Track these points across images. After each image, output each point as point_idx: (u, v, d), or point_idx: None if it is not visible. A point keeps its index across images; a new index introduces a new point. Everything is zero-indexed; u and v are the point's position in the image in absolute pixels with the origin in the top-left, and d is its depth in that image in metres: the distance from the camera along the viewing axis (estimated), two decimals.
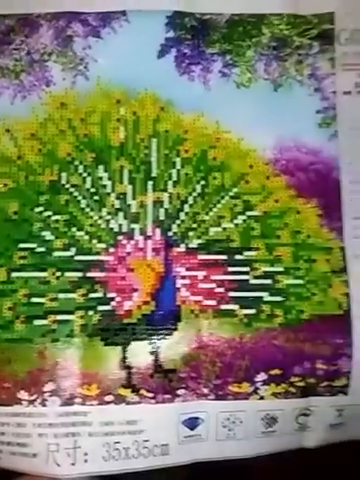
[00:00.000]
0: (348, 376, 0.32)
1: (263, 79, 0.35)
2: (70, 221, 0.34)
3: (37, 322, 0.32)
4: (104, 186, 0.34)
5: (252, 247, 0.33)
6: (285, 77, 0.35)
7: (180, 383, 0.32)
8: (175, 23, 0.35)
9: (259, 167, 0.34)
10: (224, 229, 0.33)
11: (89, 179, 0.34)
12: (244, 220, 0.34)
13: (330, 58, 0.35)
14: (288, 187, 0.34)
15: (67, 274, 0.33)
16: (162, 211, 0.34)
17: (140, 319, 0.32)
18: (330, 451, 0.34)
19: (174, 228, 0.33)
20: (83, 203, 0.34)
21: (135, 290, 0.32)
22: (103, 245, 0.33)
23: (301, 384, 0.32)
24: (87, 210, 0.34)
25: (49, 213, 0.34)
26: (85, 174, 0.34)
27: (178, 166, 0.34)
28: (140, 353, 0.32)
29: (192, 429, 0.32)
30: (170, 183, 0.34)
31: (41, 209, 0.34)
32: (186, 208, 0.34)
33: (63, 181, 0.34)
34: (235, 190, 0.34)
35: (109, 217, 0.34)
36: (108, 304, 0.32)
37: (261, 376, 0.32)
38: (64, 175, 0.34)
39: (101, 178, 0.34)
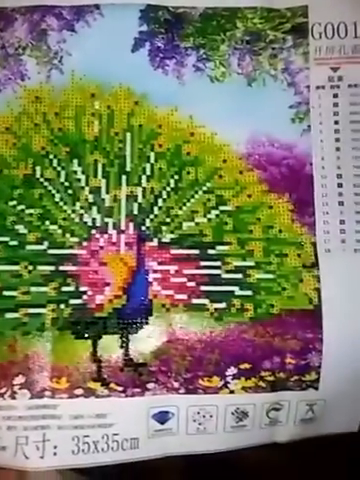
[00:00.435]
0: (318, 371, 0.30)
1: (237, 73, 0.33)
2: (44, 215, 0.33)
3: (8, 315, 0.31)
4: (78, 180, 0.33)
5: (224, 242, 0.32)
6: (259, 71, 0.33)
7: (150, 377, 0.30)
8: (148, 17, 0.34)
9: (232, 162, 0.33)
10: (197, 224, 0.32)
11: (63, 173, 0.33)
12: (217, 215, 0.32)
13: (304, 52, 0.33)
14: (260, 182, 0.32)
15: (39, 268, 0.32)
16: (136, 205, 0.32)
17: (111, 313, 0.31)
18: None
19: (147, 222, 0.32)
20: (57, 197, 0.33)
21: (107, 284, 0.31)
22: (76, 239, 0.32)
23: (271, 378, 0.31)
24: (61, 204, 0.32)
25: (23, 207, 0.33)
26: (59, 168, 0.33)
27: (152, 160, 0.33)
28: (110, 347, 0.31)
29: (162, 423, 0.31)
30: (144, 177, 0.33)
31: (15, 203, 0.33)
32: (160, 202, 0.33)
33: (37, 175, 0.33)
34: (208, 185, 0.33)
35: (83, 211, 0.32)
36: (80, 298, 0.31)
37: (231, 370, 0.30)
38: (38, 169, 0.33)
39: (75, 172, 0.33)
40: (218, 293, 0.31)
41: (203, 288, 0.31)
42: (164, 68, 0.34)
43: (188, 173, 0.33)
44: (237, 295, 0.31)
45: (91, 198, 0.33)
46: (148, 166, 0.33)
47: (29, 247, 0.32)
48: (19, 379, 0.31)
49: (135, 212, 0.33)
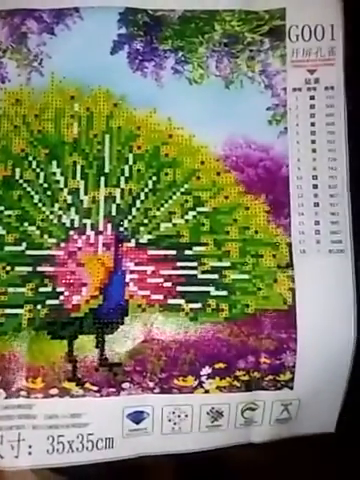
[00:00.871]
0: (292, 370, 0.30)
1: (215, 76, 0.32)
2: (22, 216, 0.32)
3: None
4: (57, 181, 0.32)
5: (201, 242, 0.31)
6: (236, 74, 0.32)
7: (125, 377, 0.30)
8: (127, 19, 0.33)
9: (210, 163, 0.32)
10: (174, 225, 0.31)
11: (42, 174, 0.32)
12: (194, 216, 0.32)
13: (281, 55, 0.32)
14: (237, 183, 0.31)
15: (17, 268, 0.31)
16: (114, 206, 0.32)
17: (87, 313, 0.30)
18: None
19: (125, 223, 0.31)
20: (36, 198, 0.32)
21: (84, 285, 0.30)
22: (54, 240, 0.31)
23: (245, 378, 0.30)
24: (39, 205, 0.32)
25: (1, 208, 0.32)
26: (38, 169, 0.32)
27: (130, 162, 0.33)
28: (86, 347, 0.30)
29: (137, 423, 0.30)
30: (122, 179, 0.32)
31: None
32: (138, 204, 0.32)
33: (17, 176, 0.32)
34: (186, 186, 0.32)
35: (61, 212, 0.32)
36: (57, 298, 0.30)
37: (206, 370, 0.30)
38: (18, 170, 0.32)
39: (54, 173, 0.32)
40: (194, 293, 0.31)
41: (179, 288, 0.31)
42: (143, 70, 0.33)
43: (166, 174, 0.32)
44: (213, 295, 0.30)
45: (70, 199, 0.32)
46: (126, 167, 0.33)
47: (7, 248, 0.32)
48: None
49: (113, 213, 0.32)
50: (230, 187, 0.32)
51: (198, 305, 0.31)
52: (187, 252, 0.31)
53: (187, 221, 0.32)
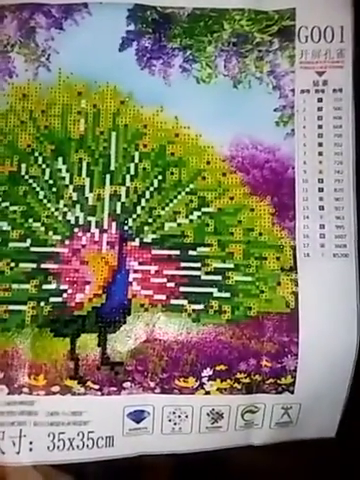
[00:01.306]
0: (294, 374, 0.29)
1: (223, 75, 0.31)
2: (27, 212, 0.31)
3: None
4: (62, 178, 0.31)
5: (205, 243, 0.30)
6: (245, 74, 0.31)
7: (126, 376, 0.29)
8: (136, 16, 0.31)
9: (216, 164, 0.30)
10: (179, 225, 0.30)
11: (48, 171, 0.31)
12: (199, 216, 0.30)
13: (290, 55, 0.31)
14: (243, 184, 0.30)
15: (21, 265, 0.30)
16: (119, 205, 0.30)
17: (90, 312, 0.29)
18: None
19: (130, 222, 0.30)
20: (41, 194, 0.31)
21: (87, 283, 0.29)
22: (59, 237, 0.30)
23: (246, 380, 0.29)
24: (44, 202, 0.31)
25: (7, 204, 0.31)
26: (44, 166, 0.31)
27: (136, 160, 0.31)
28: (88, 345, 0.30)
29: (138, 422, 0.30)
30: (128, 177, 0.31)
31: None
32: (143, 202, 0.31)
33: (22, 172, 0.31)
34: (192, 186, 0.31)
35: (66, 209, 0.30)
36: (60, 296, 0.30)
37: (207, 371, 0.29)
38: (24, 166, 0.31)
39: (60, 170, 0.31)
40: (197, 294, 0.30)
41: (182, 289, 0.30)
42: (151, 68, 0.32)
43: (172, 174, 0.31)
44: (215, 297, 0.29)
45: (75, 196, 0.31)
46: (132, 166, 0.32)
47: (12, 244, 0.31)
48: None
49: (118, 211, 0.31)
50: (235, 188, 0.31)
51: (200, 306, 0.30)
52: (191, 252, 0.30)
53: (192, 221, 0.31)
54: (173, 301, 0.30)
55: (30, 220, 0.31)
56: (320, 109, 0.31)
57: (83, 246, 0.31)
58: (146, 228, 0.31)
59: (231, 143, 0.32)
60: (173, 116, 0.32)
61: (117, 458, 0.30)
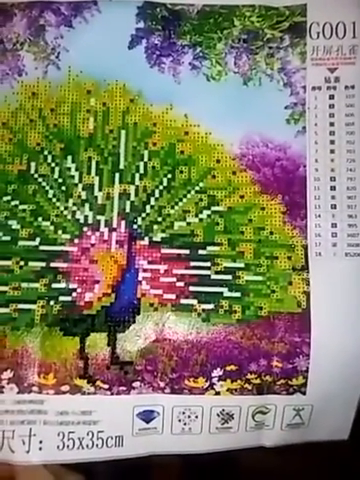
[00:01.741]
0: (305, 375, 0.28)
1: (233, 72, 0.30)
2: (36, 211, 0.31)
3: None
4: (72, 177, 0.31)
5: (215, 242, 0.29)
6: (255, 71, 0.30)
7: (136, 376, 0.28)
8: (146, 13, 0.31)
9: (226, 162, 0.30)
10: (188, 223, 0.30)
11: (57, 169, 0.31)
12: (209, 215, 0.30)
13: (301, 52, 0.30)
14: (253, 183, 0.30)
15: (31, 263, 0.30)
16: (128, 203, 0.30)
17: (100, 311, 0.29)
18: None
19: (139, 221, 0.30)
20: (50, 193, 0.31)
21: (97, 282, 0.29)
22: (68, 236, 0.30)
23: (257, 381, 0.29)
24: (54, 200, 0.30)
25: (16, 202, 0.31)
26: (53, 164, 0.31)
27: (146, 158, 0.31)
28: (98, 344, 0.29)
29: (147, 422, 0.30)
30: (137, 175, 0.31)
31: (9, 198, 0.31)
32: (152, 201, 0.30)
33: (32, 171, 0.31)
34: (201, 184, 0.30)
35: (75, 208, 0.30)
36: (69, 295, 0.29)
37: (217, 372, 0.28)
38: (33, 165, 0.31)
39: (69, 169, 0.31)
40: (207, 294, 0.29)
41: (192, 288, 0.29)
42: (160, 66, 0.31)
43: (181, 172, 0.31)
44: (226, 296, 0.29)
45: (84, 195, 0.31)
46: (142, 164, 0.31)
47: (21, 243, 0.31)
48: (7, 374, 0.29)
49: (127, 210, 0.31)
50: (246, 186, 0.30)
51: (210, 306, 0.29)
52: (201, 252, 0.30)
53: (201, 220, 0.31)
54: (183, 300, 0.30)
55: (39, 219, 0.31)
56: (332, 106, 0.31)
57: (92, 245, 0.31)
58: (155, 227, 0.31)
59: (241, 141, 0.31)
60: (183, 114, 0.31)
61: (126, 458, 0.29)
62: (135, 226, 0.30)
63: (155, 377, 0.29)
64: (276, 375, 0.29)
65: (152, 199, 0.31)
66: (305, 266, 0.29)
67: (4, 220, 0.31)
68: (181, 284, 0.30)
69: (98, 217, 0.31)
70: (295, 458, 0.31)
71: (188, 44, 0.32)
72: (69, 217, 0.31)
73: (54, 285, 0.30)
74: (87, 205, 0.31)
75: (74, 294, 0.30)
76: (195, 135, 0.31)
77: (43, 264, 0.30)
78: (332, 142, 0.30)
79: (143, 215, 0.31)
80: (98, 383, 0.29)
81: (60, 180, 0.31)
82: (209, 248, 0.30)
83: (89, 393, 0.29)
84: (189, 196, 0.31)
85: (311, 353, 0.28)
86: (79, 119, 0.32)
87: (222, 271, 0.30)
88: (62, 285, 0.30)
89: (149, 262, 0.30)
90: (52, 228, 0.31)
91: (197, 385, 0.29)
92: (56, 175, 0.31)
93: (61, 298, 0.30)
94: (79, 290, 0.30)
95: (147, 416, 0.30)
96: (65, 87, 0.32)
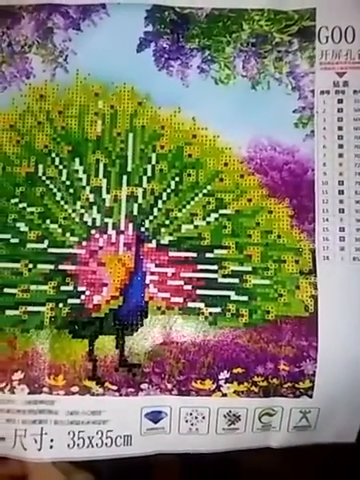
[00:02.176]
0: (312, 379, 0.28)
1: (241, 76, 0.31)
2: (44, 213, 0.31)
3: (8, 312, 0.30)
4: (79, 179, 0.31)
5: (223, 245, 0.29)
6: (263, 74, 0.30)
7: (144, 378, 0.29)
8: (154, 17, 0.31)
9: (234, 165, 0.30)
10: (196, 227, 0.30)
11: (65, 172, 0.31)
12: (216, 218, 0.30)
13: (309, 56, 0.30)
14: (261, 186, 0.30)
15: (39, 266, 0.30)
16: (135, 206, 0.30)
17: (108, 314, 0.29)
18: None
19: (147, 224, 0.30)
20: (58, 196, 0.31)
21: (105, 285, 0.29)
22: (76, 238, 0.30)
23: (264, 384, 0.29)
24: (62, 203, 0.30)
25: (24, 205, 0.31)
26: (61, 167, 0.31)
27: (153, 161, 0.31)
28: (106, 347, 0.30)
29: (155, 422, 0.30)
30: (145, 178, 0.31)
31: (16, 200, 0.31)
32: (159, 204, 0.30)
33: (39, 173, 0.31)
34: (209, 188, 0.30)
35: (83, 211, 0.30)
36: (78, 298, 0.29)
37: (224, 374, 0.28)
38: (41, 167, 0.31)
39: (77, 171, 0.31)
40: (214, 297, 0.29)
41: (199, 292, 0.29)
42: (169, 69, 0.31)
43: (189, 175, 0.31)
44: (233, 300, 0.29)
45: (91, 198, 0.31)
46: (149, 167, 0.31)
47: (30, 245, 0.31)
48: (18, 375, 0.30)
49: (135, 213, 0.31)
50: (253, 190, 0.31)
51: (218, 309, 0.29)
52: (208, 255, 0.30)
53: (209, 223, 0.31)
54: (190, 304, 0.30)
55: (47, 221, 0.31)
56: (340, 110, 0.31)
57: (100, 248, 0.31)
58: (163, 230, 0.31)
59: (249, 144, 0.31)
60: (191, 117, 0.32)
61: (133, 456, 0.30)
62: (143, 229, 0.31)
63: (162, 379, 0.29)
64: (283, 378, 0.29)
65: (160, 202, 0.31)
66: (312, 270, 0.30)
67: (12, 222, 0.31)
68: (188, 287, 0.30)
69: (106, 220, 0.31)
70: (300, 460, 0.31)
71: (196, 47, 0.32)
72: (77, 220, 0.31)
73: (63, 288, 0.30)
74: (95, 208, 0.31)
75: (82, 297, 0.30)
76: (203, 138, 0.31)
77: (51, 267, 0.30)
78: (340, 146, 0.30)
79: (151, 218, 0.31)
80: (107, 384, 0.30)
81: (68, 182, 0.31)
82: (216, 251, 0.30)
83: (98, 394, 0.30)
84: (197, 199, 0.31)
85: (318, 357, 0.29)
86: (87, 122, 0.32)
87: (229, 274, 0.30)
88: (70, 288, 0.30)
89: (156, 265, 0.30)
90: (60, 231, 0.31)
91: (204, 387, 0.29)
92: (64, 177, 0.31)
93: (70, 301, 0.30)
94: (87, 293, 0.30)
95: (155, 416, 0.30)
96: (73, 90, 0.32)
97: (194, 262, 0.30)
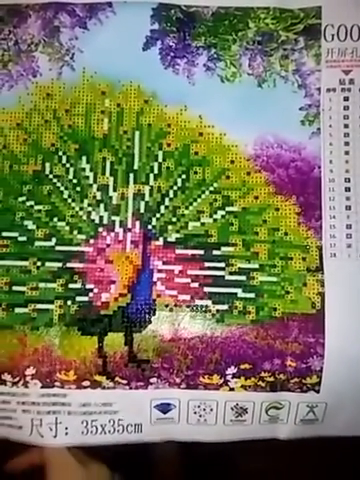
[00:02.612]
0: (319, 374, 0.28)
1: (247, 74, 0.31)
2: (52, 211, 0.31)
3: (18, 310, 0.30)
4: (86, 177, 0.31)
5: (230, 243, 0.30)
6: (269, 72, 0.31)
7: (153, 372, 0.30)
8: (160, 15, 0.31)
9: (240, 163, 0.30)
10: (203, 224, 0.30)
11: (72, 170, 0.31)
12: (223, 215, 0.30)
13: (315, 54, 0.31)
14: (268, 184, 0.30)
15: (47, 264, 0.30)
16: (142, 204, 0.30)
17: (116, 311, 0.29)
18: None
19: (154, 221, 0.30)
20: (65, 194, 0.31)
21: (113, 282, 0.29)
22: (83, 236, 0.30)
23: (271, 379, 0.29)
24: (69, 201, 0.31)
25: (32, 203, 0.31)
26: (68, 165, 0.31)
27: (160, 159, 0.31)
28: (115, 343, 0.30)
29: (164, 413, 0.31)
30: (151, 176, 0.31)
31: (24, 199, 0.31)
32: (166, 201, 0.31)
33: (47, 171, 0.31)
34: (215, 185, 0.31)
35: (90, 208, 0.31)
36: (86, 295, 0.30)
37: (231, 370, 0.29)
38: (48, 165, 0.31)
39: (84, 169, 0.31)
40: (221, 295, 0.30)
41: (206, 289, 0.30)
42: (175, 67, 0.31)
43: (195, 173, 0.31)
44: (240, 297, 0.29)
45: (99, 195, 0.31)
46: (156, 165, 0.32)
47: (37, 243, 0.31)
48: (30, 370, 0.30)
49: (142, 211, 0.31)
50: (260, 187, 0.31)
51: (225, 307, 0.30)
52: (215, 252, 0.30)
53: (216, 220, 0.31)
54: (197, 301, 0.30)
55: (55, 219, 0.31)
56: (346, 108, 0.31)
57: (108, 245, 0.31)
58: (170, 227, 0.31)
59: (255, 142, 0.31)
60: (197, 115, 0.32)
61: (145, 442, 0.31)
62: (150, 226, 0.31)
63: (171, 374, 0.30)
64: (290, 374, 0.30)
65: (166, 199, 0.31)
66: (320, 267, 0.30)
67: (20, 220, 0.31)
68: (196, 285, 0.30)
69: (113, 217, 0.31)
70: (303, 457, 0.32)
71: (203, 46, 0.32)
72: (84, 217, 0.31)
73: (71, 285, 0.30)
74: (102, 205, 0.31)
75: (91, 294, 0.30)
76: (209, 136, 0.32)
77: (60, 264, 0.30)
78: (347, 143, 0.31)
79: (158, 215, 0.31)
80: (117, 379, 0.30)
81: (75, 181, 0.31)
82: (223, 249, 0.31)
83: (108, 387, 0.30)
84: (203, 196, 0.31)
85: (325, 353, 0.29)
86: (93, 120, 0.32)
87: (236, 272, 0.30)
88: (79, 285, 0.30)
89: (164, 262, 0.30)
90: (68, 228, 0.31)
91: (212, 381, 0.30)
92: (71, 176, 0.32)
93: (78, 298, 0.30)
94: (95, 290, 0.30)
95: (164, 408, 0.31)
96: (79, 88, 0.32)
97: (201, 259, 0.30)
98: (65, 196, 0.31)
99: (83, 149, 0.31)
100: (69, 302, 0.30)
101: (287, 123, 0.31)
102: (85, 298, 0.30)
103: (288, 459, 0.32)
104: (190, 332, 0.29)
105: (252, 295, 0.29)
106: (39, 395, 0.30)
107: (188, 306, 0.29)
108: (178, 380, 0.30)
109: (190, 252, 0.30)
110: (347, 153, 0.30)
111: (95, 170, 0.31)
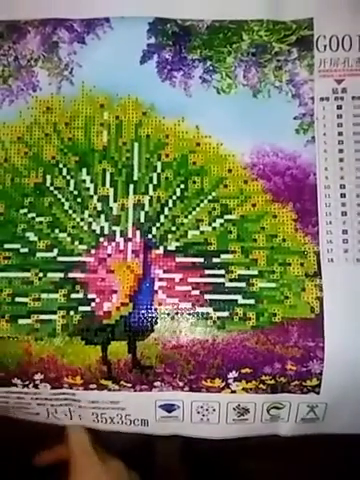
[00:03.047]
0: (319, 377, 0.29)
1: (242, 85, 0.32)
2: (53, 223, 0.32)
3: (21, 321, 0.30)
4: (87, 189, 0.31)
5: (229, 250, 0.30)
6: (264, 83, 0.32)
7: (156, 377, 0.30)
8: (157, 29, 0.32)
9: (237, 171, 0.31)
10: (202, 232, 0.31)
11: (72, 182, 0.31)
12: (222, 223, 0.31)
13: (308, 64, 0.31)
14: (265, 191, 0.31)
15: (49, 275, 0.30)
16: (142, 214, 0.31)
17: (118, 320, 0.30)
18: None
19: (154, 231, 0.31)
20: (66, 205, 0.31)
21: (114, 291, 0.30)
22: (85, 246, 0.31)
23: (271, 382, 0.30)
24: (70, 212, 0.31)
25: (33, 215, 0.32)
26: (69, 177, 0.31)
27: (159, 170, 0.32)
28: (119, 351, 0.30)
29: (169, 412, 0.32)
30: (151, 186, 0.32)
31: (25, 211, 0.32)
32: (166, 211, 0.31)
33: (47, 183, 0.32)
34: (214, 194, 0.31)
35: (91, 219, 0.31)
36: (88, 305, 0.30)
37: (232, 374, 0.30)
38: (49, 178, 0.32)
39: (84, 181, 0.31)
40: (221, 302, 0.30)
41: (207, 296, 0.30)
42: (171, 80, 0.32)
43: (194, 182, 0.32)
44: (240, 304, 0.30)
45: (99, 206, 0.32)
46: (155, 175, 0.32)
47: (39, 254, 0.31)
48: (38, 376, 0.31)
49: (142, 220, 0.32)
50: (257, 195, 0.32)
51: (225, 313, 0.30)
52: (215, 260, 0.31)
53: (214, 229, 0.31)
54: (198, 309, 0.31)
55: (56, 230, 0.32)
56: (340, 116, 0.32)
57: (109, 255, 0.32)
58: (170, 236, 0.32)
59: (252, 151, 0.32)
60: (194, 126, 0.33)
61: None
62: (150, 236, 0.32)
63: (174, 378, 0.30)
64: (290, 377, 0.30)
65: (166, 209, 0.32)
66: (317, 272, 0.30)
67: (22, 232, 0.32)
68: (196, 292, 0.31)
69: (114, 228, 0.32)
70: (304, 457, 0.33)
71: (198, 58, 0.33)
72: (85, 228, 0.32)
73: (73, 295, 0.31)
74: (103, 216, 0.32)
75: (93, 304, 0.31)
76: (207, 146, 0.32)
77: (61, 275, 0.31)
78: (341, 151, 0.31)
79: (157, 225, 0.32)
80: (122, 383, 0.31)
81: (76, 192, 0.32)
82: (223, 256, 0.31)
83: (115, 390, 0.31)
84: (202, 205, 0.32)
85: (325, 357, 0.29)
86: (93, 132, 0.33)
87: (236, 279, 0.31)
88: (81, 295, 0.31)
89: (164, 271, 0.31)
90: (69, 239, 0.32)
91: (214, 385, 0.30)
92: (72, 187, 0.32)
93: (80, 308, 0.31)
94: (97, 300, 0.31)
95: (168, 408, 0.32)
96: (79, 102, 0.33)
97: (201, 267, 0.31)
98: (66, 207, 0.31)
99: (83, 161, 0.32)
100: (72, 312, 0.30)
101: (282, 132, 0.31)
102: (87, 308, 0.30)
103: (288, 459, 0.32)
104: (192, 339, 0.30)
105: (252, 301, 0.30)
106: (50, 394, 0.31)
107: (189, 314, 0.30)
108: (181, 384, 0.30)
109: (190, 260, 0.31)
110: (342, 160, 0.31)
111: (95, 181, 0.32)
